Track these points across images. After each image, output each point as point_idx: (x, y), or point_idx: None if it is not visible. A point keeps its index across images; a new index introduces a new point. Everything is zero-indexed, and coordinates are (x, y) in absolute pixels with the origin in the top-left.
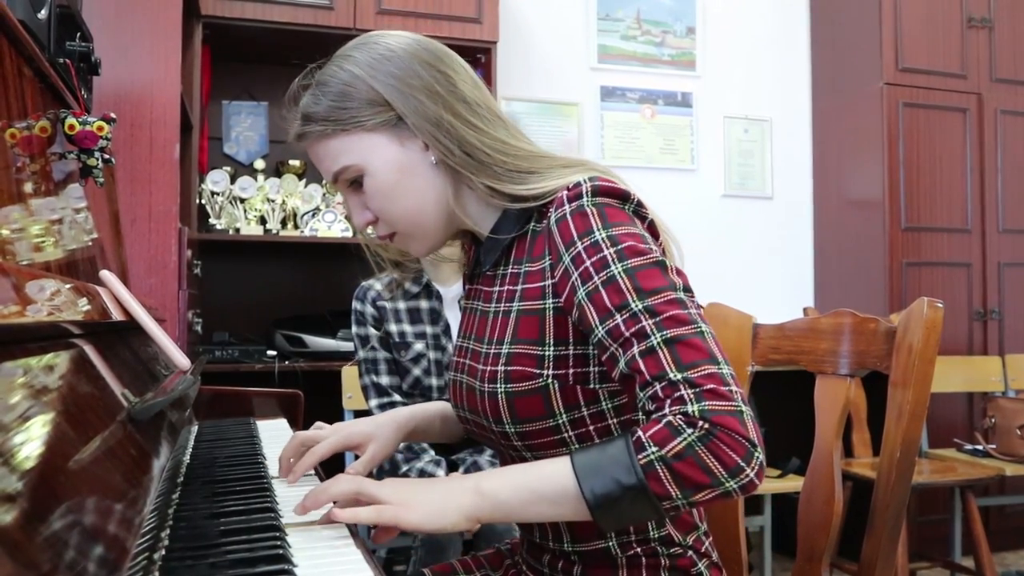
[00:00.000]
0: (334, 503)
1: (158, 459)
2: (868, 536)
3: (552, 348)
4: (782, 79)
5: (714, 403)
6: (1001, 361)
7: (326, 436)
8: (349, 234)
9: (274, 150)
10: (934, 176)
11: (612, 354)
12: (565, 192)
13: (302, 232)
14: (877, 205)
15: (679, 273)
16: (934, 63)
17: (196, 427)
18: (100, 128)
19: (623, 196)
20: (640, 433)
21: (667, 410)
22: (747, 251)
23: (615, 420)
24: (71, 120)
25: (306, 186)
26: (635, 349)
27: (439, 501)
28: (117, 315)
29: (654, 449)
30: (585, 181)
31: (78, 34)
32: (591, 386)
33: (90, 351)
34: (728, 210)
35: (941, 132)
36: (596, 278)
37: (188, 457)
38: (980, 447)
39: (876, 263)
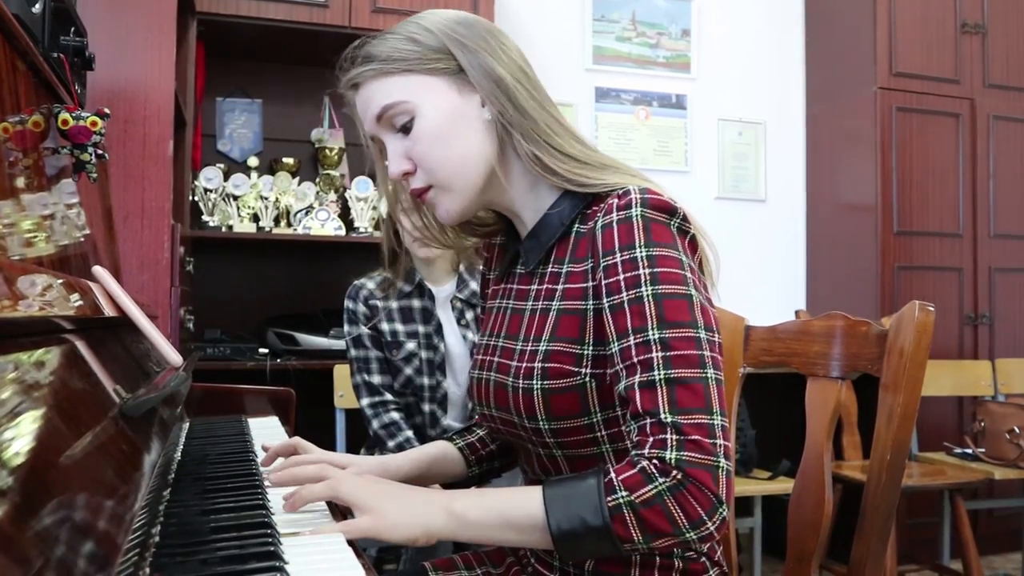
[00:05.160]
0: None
1: (149, 455)
2: (857, 538)
3: (592, 348)
4: (776, 82)
5: (693, 455)
6: (991, 365)
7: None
8: (342, 232)
9: (268, 147)
10: (926, 181)
11: (617, 372)
12: (615, 200)
13: (295, 230)
14: (870, 209)
15: (704, 311)
16: (928, 68)
17: (187, 424)
18: (94, 123)
19: (670, 211)
20: (613, 475)
21: (646, 451)
22: (740, 253)
23: None
24: (64, 115)
25: (299, 184)
26: (637, 378)
27: (410, 516)
28: (109, 311)
29: (624, 493)
30: (635, 191)
31: (72, 29)
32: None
33: (82, 347)
34: (721, 212)
35: (934, 137)
36: (625, 294)
37: (179, 454)
38: (969, 451)
39: (868, 267)
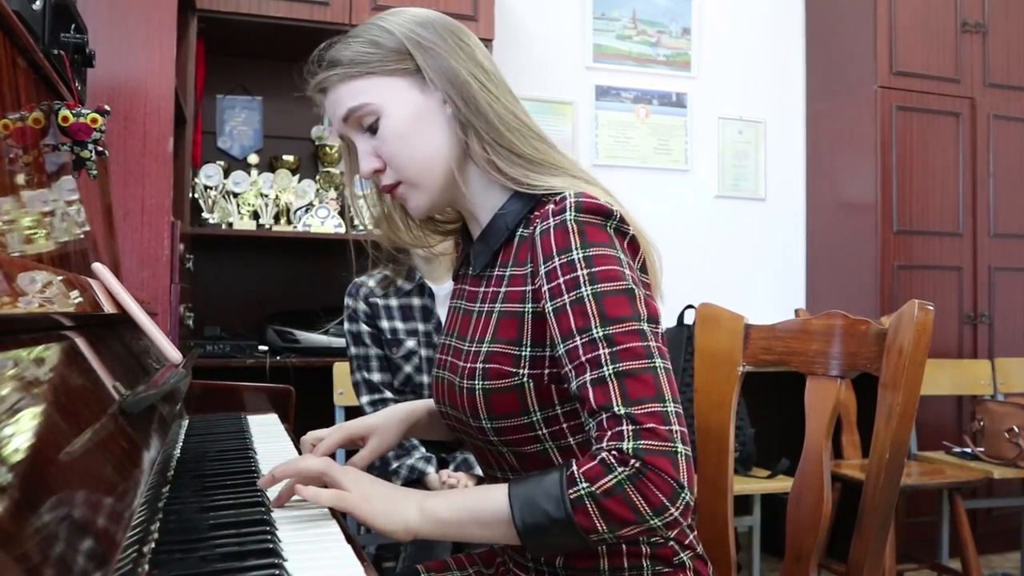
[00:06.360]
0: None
1: (149, 452)
2: (856, 537)
3: (529, 349)
4: (777, 81)
5: (650, 443)
6: (991, 365)
7: (329, 433)
8: (342, 230)
9: (268, 145)
10: (926, 180)
11: (567, 373)
12: (552, 205)
13: (295, 227)
14: (869, 208)
15: (648, 303)
16: (928, 67)
17: (187, 421)
18: (94, 120)
19: (606, 214)
20: (574, 468)
21: (605, 444)
22: (740, 252)
23: None
24: (65, 112)
25: (299, 181)
26: (587, 376)
27: (391, 507)
28: (109, 308)
29: (585, 485)
30: (570, 196)
31: (73, 26)
32: (566, 386)
33: (82, 343)
34: (721, 211)
35: (934, 136)
36: (566, 296)
37: (178, 451)
38: (968, 450)
39: (868, 266)
